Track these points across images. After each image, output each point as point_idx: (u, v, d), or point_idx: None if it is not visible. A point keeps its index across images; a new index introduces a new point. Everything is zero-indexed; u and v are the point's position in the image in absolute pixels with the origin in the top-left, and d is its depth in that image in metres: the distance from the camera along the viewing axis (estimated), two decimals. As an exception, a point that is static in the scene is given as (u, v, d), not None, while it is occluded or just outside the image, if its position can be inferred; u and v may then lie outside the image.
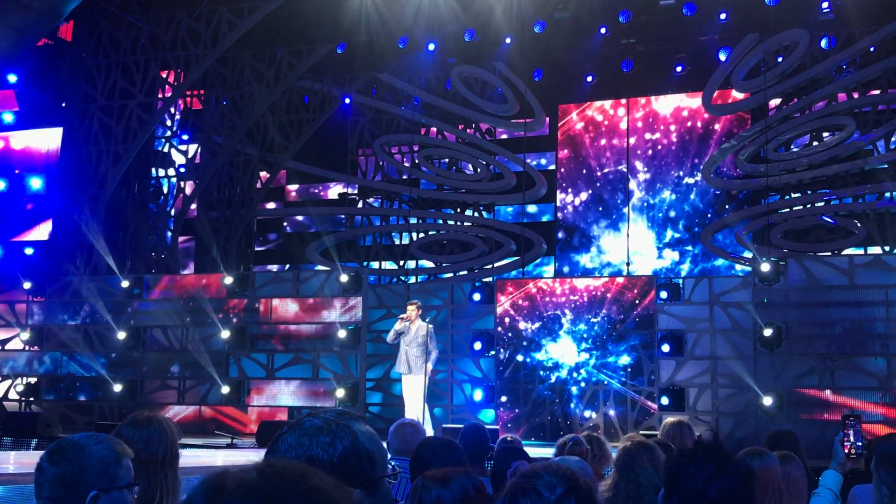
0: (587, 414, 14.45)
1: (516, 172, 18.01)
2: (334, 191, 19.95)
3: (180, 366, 16.58)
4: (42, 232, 19.24)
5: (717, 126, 17.31)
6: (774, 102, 16.79)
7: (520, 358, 14.82)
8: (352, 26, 17.45)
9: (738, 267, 16.50)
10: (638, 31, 17.51)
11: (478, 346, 15.14)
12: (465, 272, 18.12)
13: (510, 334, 14.93)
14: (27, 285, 17.37)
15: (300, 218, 20.14)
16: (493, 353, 15.08)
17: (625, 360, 14.34)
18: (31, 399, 17.15)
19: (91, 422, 15.70)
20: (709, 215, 17.16)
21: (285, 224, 20.36)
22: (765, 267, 13.85)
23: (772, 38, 16.25)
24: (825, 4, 16.34)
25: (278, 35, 18.20)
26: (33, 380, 17.31)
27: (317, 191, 20.27)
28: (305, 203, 20.17)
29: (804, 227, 16.22)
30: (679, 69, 17.50)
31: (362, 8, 17.29)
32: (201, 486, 1.27)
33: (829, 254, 15.20)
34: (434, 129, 18.90)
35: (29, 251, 18.88)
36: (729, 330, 14.14)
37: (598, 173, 17.89)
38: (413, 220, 18.62)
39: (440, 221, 18.70)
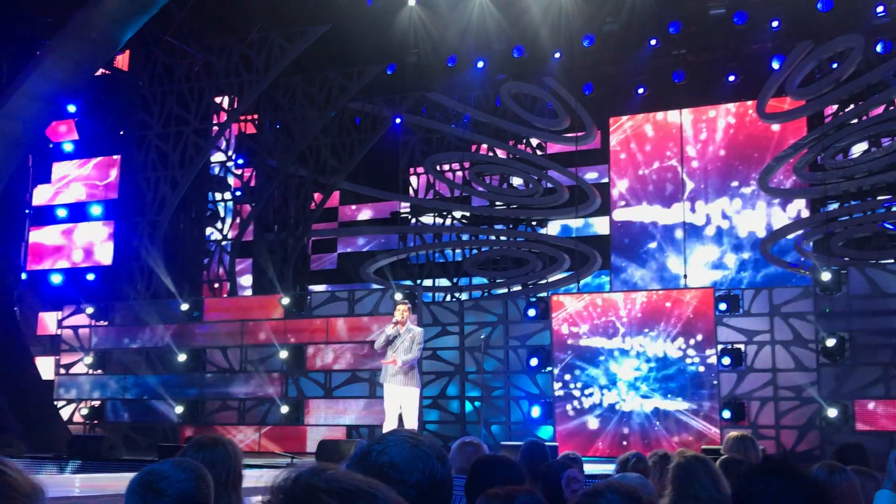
0: (644, 430, 14.27)
1: (569, 186, 17.95)
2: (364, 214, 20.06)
3: (239, 386, 16.76)
4: (103, 257, 19.62)
5: (772, 135, 17.07)
6: (830, 109, 16.52)
7: (577, 373, 14.72)
8: (401, 47, 17.60)
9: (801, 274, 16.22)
10: (688, 42, 17.38)
11: (534, 362, 15.07)
12: (519, 288, 18.07)
13: (567, 350, 14.84)
14: (90, 310, 17.74)
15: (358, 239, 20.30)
16: (549, 369, 15.00)
17: (684, 373, 14.15)
18: (96, 422, 17.47)
19: (154, 443, 15.93)
20: (765, 225, 16.90)
21: (339, 244, 20.54)
22: (825, 276, 13.61)
23: (826, 45, 16.02)
24: (880, 8, 16.04)
25: (329, 58, 18.40)
26: (97, 403, 17.64)
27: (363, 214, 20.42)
28: (359, 223, 20.32)
29: (865, 234, 15.91)
30: (731, 78, 17.31)
31: (411, 28, 17.41)
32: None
33: (892, 261, 14.88)
34: (485, 146, 18.94)
35: (90, 277, 19.26)
36: (790, 341, 13.89)
37: (653, 185, 17.73)
38: (465, 237, 18.64)
39: (493, 238, 18.69)
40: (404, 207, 19.63)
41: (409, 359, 10.58)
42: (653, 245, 17.59)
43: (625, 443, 13.98)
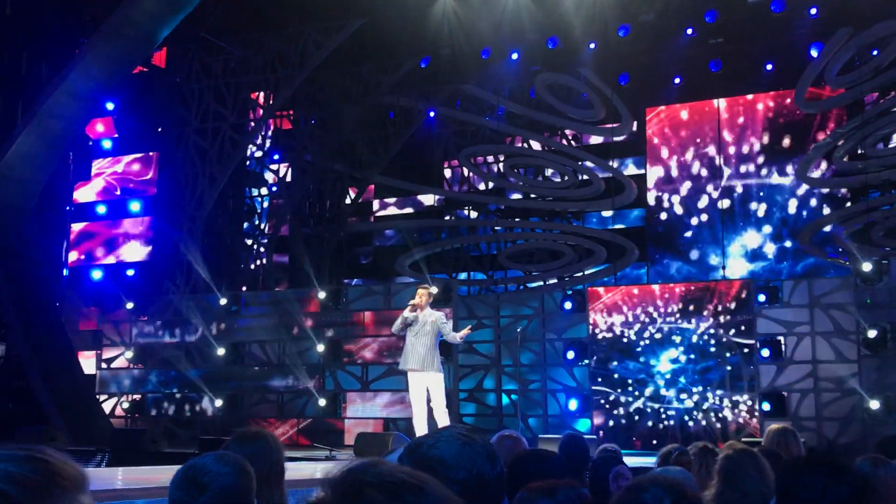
0: (683, 422, 14.18)
1: (604, 178, 17.85)
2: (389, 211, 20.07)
3: (278, 380, 16.89)
4: (142, 253, 19.84)
5: (811, 124, 16.85)
6: (871, 97, 16.27)
7: (615, 366, 14.65)
8: (435, 40, 17.57)
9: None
10: (725, 31, 17.18)
11: (571, 355, 15.04)
12: (555, 280, 18.01)
13: (603, 343, 14.78)
14: (129, 305, 17.96)
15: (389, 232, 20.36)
16: (586, 361, 14.95)
17: (722, 366, 14.04)
18: (137, 415, 17.69)
19: (194, 436, 16.11)
20: (804, 214, 16.70)
21: (375, 239, 20.61)
22: (866, 266, 13.43)
23: (866, 32, 15.77)
24: (921, -7, 15.77)
25: (363, 52, 18.44)
26: (138, 397, 17.87)
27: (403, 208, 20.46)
28: (395, 217, 20.38)
29: (906, 224, 15.67)
30: (769, 67, 17.10)
31: (444, 21, 17.37)
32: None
33: (935, 251, 14.65)
34: (519, 138, 18.88)
35: (130, 272, 19.49)
36: (831, 332, 13.72)
37: (688, 173, 17.59)
38: (500, 230, 18.62)
39: (528, 230, 18.65)
40: (438, 200, 19.64)
41: (464, 334, 10.22)
42: (689, 234, 17.45)
43: (663, 436, 13.89)
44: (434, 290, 10.50)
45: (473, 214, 19.25)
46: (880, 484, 3.54)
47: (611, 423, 14.58)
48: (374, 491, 1.32)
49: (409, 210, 20.41)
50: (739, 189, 17.23)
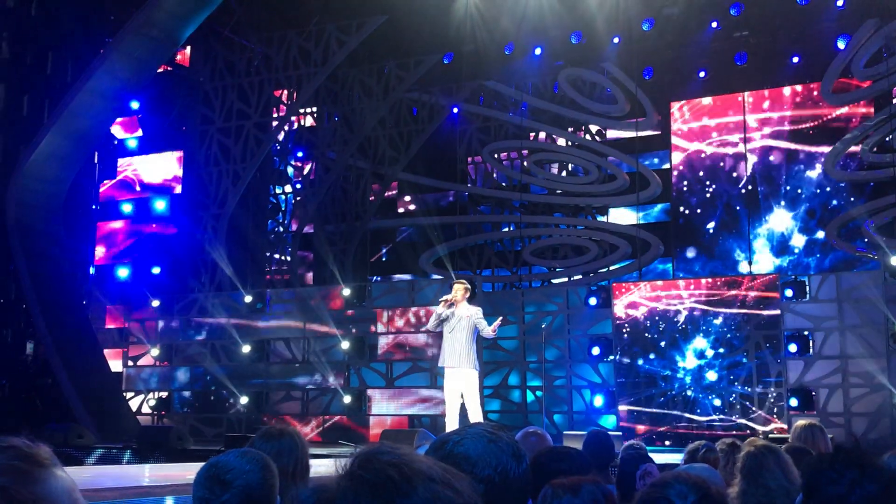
0: (712, 419, 14.09)
1: (629, 173, 17.77)
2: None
3: (303, 377, 16.95)
4: (167, 251, 19.95)
5: (838, 116, 16.68)
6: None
7: (640, 362, 14.58)
8: (457, 36, 17.55)
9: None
10: (750, 23, 17.05)
11: (596, 351, 14.97)
12: (580, 276, 17.95)
13: (629, 338, 14.71)
14: (155, 303, 18.09)
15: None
16: (612, 357, 14.88)
17: (750, 361, 13.93)
18: (163, 413, 17.82)
19: (220, 433, 16.21)
20: (832, 208, 16.53)
21: (399, 235, 20.63)
22: (894, 261, 13.27)
23: (893, 23, 15.59)
24: (950, -17, 15.57)
25: (386, 49, 18.46)
26: (164, 394, 17.99)
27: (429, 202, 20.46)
28: (417, 213, 20.39)
29: (936, 217, 15.48)
30: (795, 60, 16.95)
31: (467, 17, 17.35)
32: None
33: (966, 244, 14.46)
34: (543, 134, 18.83)
35: (156, 270, 19.63)
36: (859, 327, 13.58)
37: (714, 169, 17.46)
38: (524, 226, 18.58)
39: (552, 226, 18.60)
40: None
41: (495, 327, 9.76)
42: (714, 229, 17.33)
43: (689, 432, 13.80)
44: (469, 285, 10.17)
45: (497, 210, 19.21)
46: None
47: (636, 418, 14.51)
48: (390, 468, 1.33)
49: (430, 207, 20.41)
50: (766, 182, 17.08)
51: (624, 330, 14.71)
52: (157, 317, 18.20)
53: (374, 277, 19.84)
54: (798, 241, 16.77)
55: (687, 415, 14.19)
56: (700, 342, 14.23)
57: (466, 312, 9.87)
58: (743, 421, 13.84)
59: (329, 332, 16.56)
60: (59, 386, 16.80)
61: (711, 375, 14.12)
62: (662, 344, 14.42)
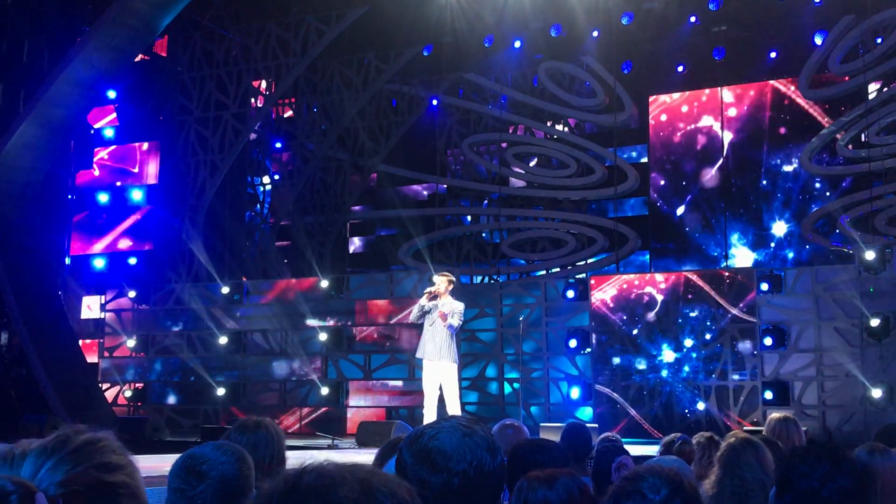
0: (686, 411, 14.19)
1: (607, 166, 17.81)
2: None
3: (280, 368, 16.91)
4: (144, 242, 19.84)
5: (814, 111, 16.80)
6: (875, 86, 16.21)
7: (616, 355, 14.65)
8: (437, 28, 17.50)
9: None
10: (729, 18, 17.12)
11: (573, 343, 15.03)
12: (558, 269, 17.99)
13: (605, 331, 14.77)
14: (132, 294, 17.98)
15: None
16: (588, 350, 14.94)
17: (725, 354, 14.03)
18: (139, 404, 17.72)
19: (196, 425, 16.15)
20: (807, 203, 16.65)
21: (377, 227, 20.60)
22: (870, 255, 13.40)
23: (870, 19, 15.70)
24: (926, -20, 15.69)
25: (365, 40, 18.39)
26: (140, 385, 17.90)
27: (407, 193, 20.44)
28: (396, 205, 20.34)
29: (910, 212, 15.61)
30: (773, 55, 17.05)
31: (447, 9, 17.32)
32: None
33: (939, 239, 14.60)
34: (522, 127, 18.83)
35: (132, 261, 19.51)
36: (834, 321, 13.71)
37: (691, 163, 17.55)
38: (503, 219, 18.60)
39: (531, 219, 18.62)
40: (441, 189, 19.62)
41: (454, 323, 9.75)
42: (692, 222, 17.41)
43: (665, 424, 13.89)
44: (453, 277, 10.07)
45: (476, 203, 19.21)
46: (879, 473, 3.53)
47: (612, 410, 14.58)
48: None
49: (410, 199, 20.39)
50: (743, 177, 17.18)
51: (600, 322, 14.77)
52: (134, 307, 18.09)
53: (352, 269, 19.80)
54: (774, 234, 16.88)
55: (663, 407, 14.28)
56: (676, 335, 14.32)
57: (449, 307, 9.80)
58: (718, 413, 13.95)
59: (307, 324, 16.52)
60: (35, 377, 16.66)
61: (688, 368, 14.21)
62: (640, 337, 14.50)
